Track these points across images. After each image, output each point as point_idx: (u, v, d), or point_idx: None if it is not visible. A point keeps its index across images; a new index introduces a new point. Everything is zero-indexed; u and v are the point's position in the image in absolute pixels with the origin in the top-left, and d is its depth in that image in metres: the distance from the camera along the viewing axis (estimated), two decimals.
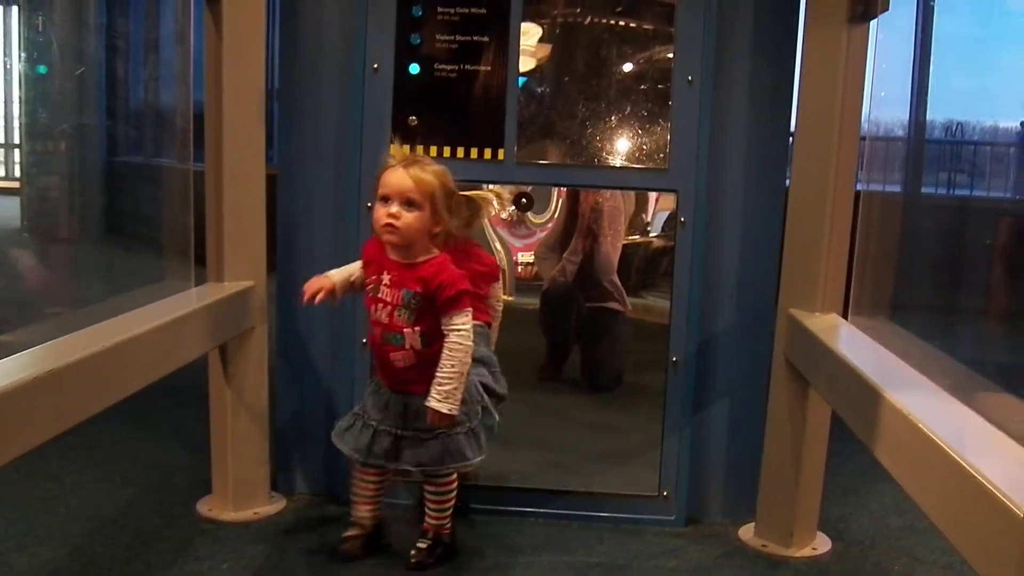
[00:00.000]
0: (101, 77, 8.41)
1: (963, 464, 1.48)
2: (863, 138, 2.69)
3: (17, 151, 11.87)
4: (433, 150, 2.73)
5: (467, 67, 2.73)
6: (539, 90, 2.75)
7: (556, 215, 2.86)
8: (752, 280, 2.84)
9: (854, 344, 2.36)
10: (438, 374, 2.31)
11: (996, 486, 1.37)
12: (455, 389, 2.31)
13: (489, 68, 2.73)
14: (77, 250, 8.23)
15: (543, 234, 2.87)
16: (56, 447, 2.55)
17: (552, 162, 2.76)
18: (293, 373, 2.97)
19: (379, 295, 2.38)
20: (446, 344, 2.32)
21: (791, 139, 2.78)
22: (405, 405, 2.41)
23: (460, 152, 2.74)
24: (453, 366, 2.31)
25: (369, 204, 2.74)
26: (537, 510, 2.86)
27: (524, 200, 2.79)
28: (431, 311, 2.34)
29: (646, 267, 2.86)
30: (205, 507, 2.85)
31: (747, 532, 2.83)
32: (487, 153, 2.74)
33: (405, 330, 2.35)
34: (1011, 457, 1.55)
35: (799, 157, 2.66)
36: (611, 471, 2.90)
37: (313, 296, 2.40)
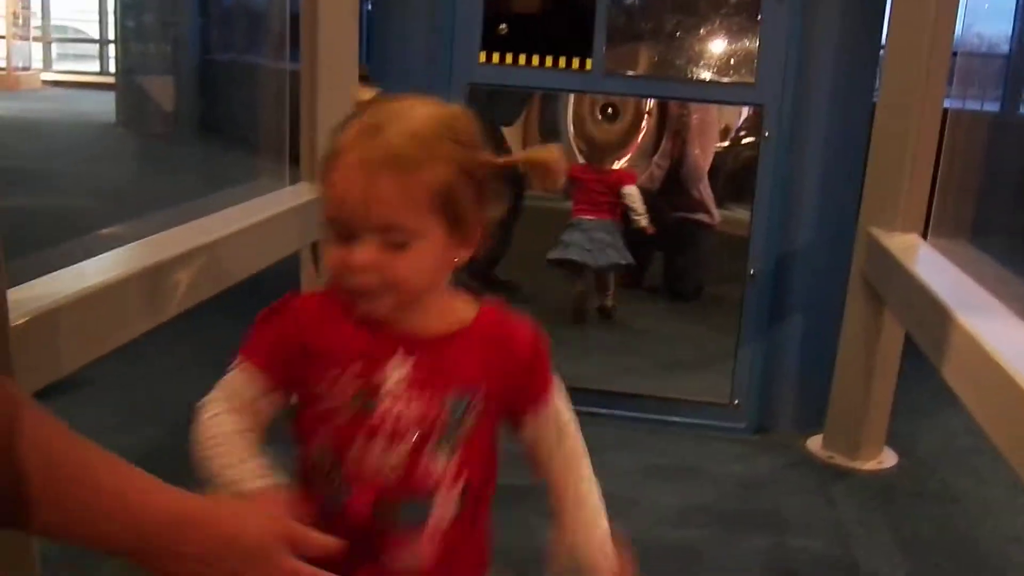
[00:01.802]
0: None
1: None
2: (955, 53, 2.66)
3: (112, 47, 12.14)
4: (522, 58, 2.78)
5: None
6: (629, 1, 2.77)
7: (642, 129, 2.92)
8: (834, 197, 2.85)
9: (930, 265, 2.38)
10: (585, 517, 1.22)
11: None
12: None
13: None
14: (169, 146, 8.45)
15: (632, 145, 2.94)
16: (155, 335, 2.71)
17: (639, 73, 2.79)
18: None
19: (375, 409, 1.08)
20: (570, 445, 1.22)
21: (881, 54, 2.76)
22: None
23: (548, 61, 2.78)
24: (593, 486, 1.23)
25: None
26: (611, 412, 2.96)
27: (610, 110, 2.83)
28: (486, 433, 1.13)
29: (735, 177, 2.90)
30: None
31: (815, 443, 2.90)
32: (575, 63, 2.78)
33: (441, 488, 1.10)
34: None
35: (888, 72, 2.65)
36: (685, 378, 2.98)
37: None
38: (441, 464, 1.09)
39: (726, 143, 2.90)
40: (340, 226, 1.05)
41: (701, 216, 2.93)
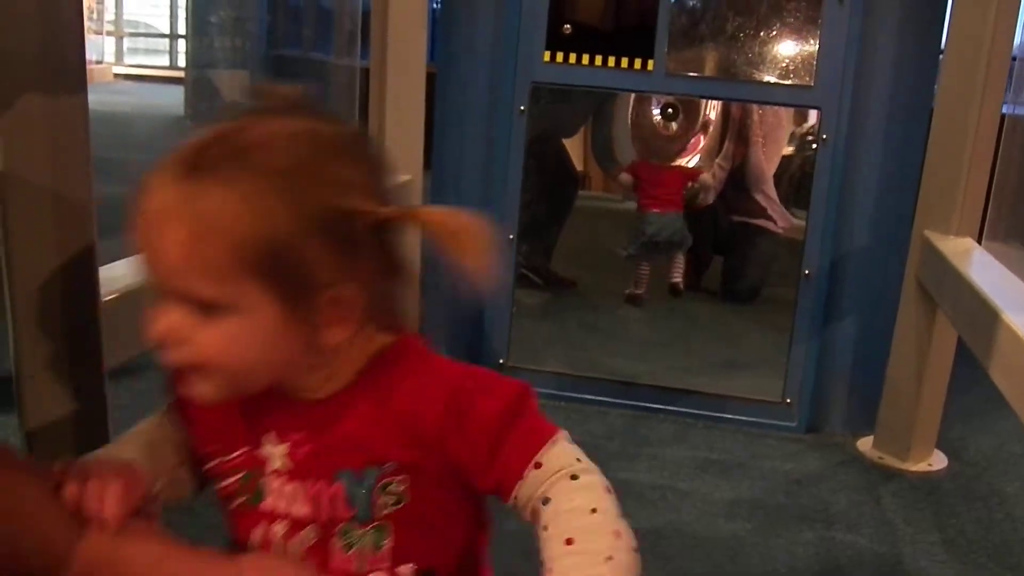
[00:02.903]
0: None
1: None
2: (1014, 58, 2.67)
3: (181, 42, 12.39)
4: (585, 58, 2.84)
5: None
6: (691, 2, 2.82)
7: (698, 129, 2.97)
8: (890, 200, 2.88)
9: (984, 269, 2.40)
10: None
11: None
12: None
13: None
14: None
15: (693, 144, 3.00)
16: None
17: (700, 74, 2.84)
18: (443, 265, 3.15)
19: (260, 503, 0.93)
20: (567, 509, 0.84)
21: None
22: None
23: (611, 61, 2.83)
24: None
25: (522, 107, 2.89)
26: (664, 407, 3.01)
27: (671, 110, 2.89)
28: (434, 504, 0.92)
29: (799, 180, 2.95)
30: None
31: (865, 444, 2.93)
32: (637, 63, 2.83)
33: None
34: None
35: (946, 77, 2.67)
36: (738, 376, 3.03)
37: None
38: (363, 551, 0.89)
39: (791, 147, 2.94)
40: (148, 278, 0.84)
41: (762, 221, 2.98)
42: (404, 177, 2.94)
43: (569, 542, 0.81)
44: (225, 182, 0.79)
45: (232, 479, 0.93)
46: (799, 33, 2.77)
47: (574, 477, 0.85)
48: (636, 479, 2.59)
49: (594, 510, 0.83)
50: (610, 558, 0.80)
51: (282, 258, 0.80)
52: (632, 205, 3.11)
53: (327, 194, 0.82)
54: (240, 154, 0.80)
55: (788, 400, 2.98)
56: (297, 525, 0.90)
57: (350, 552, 0.89)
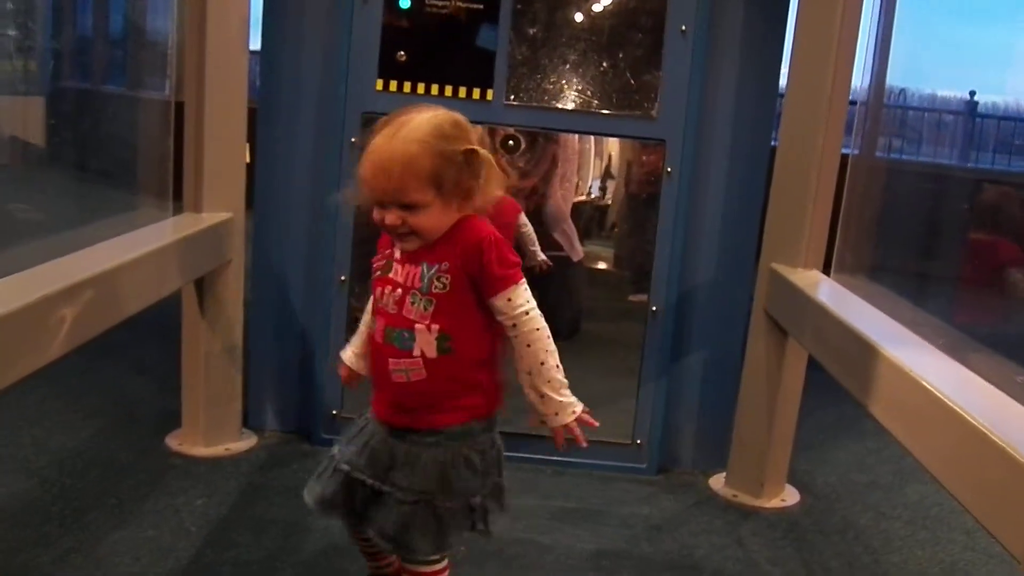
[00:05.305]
0: None
1: (971, 420, 1.51)
2: (853, 102, 2.69)
3: None
4: (421, 87, 2.69)
5: (459, 3, 2.68)
6: (531, 32, 2.71)
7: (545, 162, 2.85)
8: (734, 234, 2.84)
9: (840, 299, 2.39)
10: (539, 377, 1.73)
11: (1007, 442, 1.40)
12: (563, 384, 1.79)
13: (482, 6, 2.68)
14: (17, 177, 8.00)
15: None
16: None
17: (541, 105, 2.72)
18: (268, 310, 2.92)
19: (389, 274, 1.73)
20: (522, 334, 1.68)
21: (780, 96, 2.77)
22: (392, 447, 1.75)
23: (448, 91, 2.69)
24: (549, 352, 1.72)
25: (353, 139, 2.71)
26: (512, 454, 2.84)
27: (511, 142, 2.75)
28: (460, 300, 1.67)
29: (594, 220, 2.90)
30: (175, 441, 2.81)
31: (717, 482, 2.87)
32: (476, 93, 2.70)
33: (417, 326, 1.67)
34: (1005, 407, 1.61)
35: (788, 116, 2.65)
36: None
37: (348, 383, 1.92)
38: (418, 309, 1.67)
39: (595, 192, 2.86)
40: (374, 198, 1.65)
41: (565, 253, 2.88)
42: (224, 215, 2.71)
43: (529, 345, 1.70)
44: (411, 142, 1.60)
45: (381, 263, 1.75)
46: (642, 65, 2.69)
47: (526, 313, 1.68)
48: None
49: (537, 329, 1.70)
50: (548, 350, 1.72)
51: (440, 177, 1.62)
52: None
53: (452, 144, 1.62)
54: (412, 128, 1.62)
55: (639, 441, 2.88)
56: (396, 286, 1.70)
57: (413, 307, 1.67)
